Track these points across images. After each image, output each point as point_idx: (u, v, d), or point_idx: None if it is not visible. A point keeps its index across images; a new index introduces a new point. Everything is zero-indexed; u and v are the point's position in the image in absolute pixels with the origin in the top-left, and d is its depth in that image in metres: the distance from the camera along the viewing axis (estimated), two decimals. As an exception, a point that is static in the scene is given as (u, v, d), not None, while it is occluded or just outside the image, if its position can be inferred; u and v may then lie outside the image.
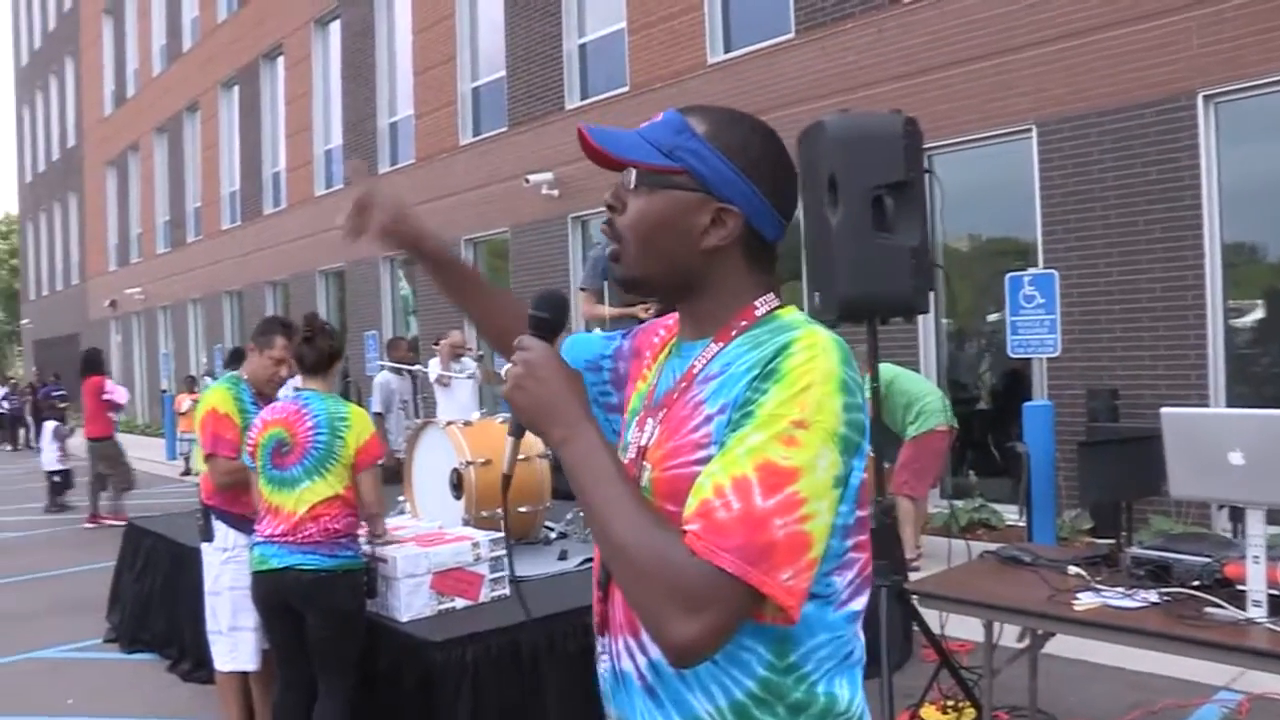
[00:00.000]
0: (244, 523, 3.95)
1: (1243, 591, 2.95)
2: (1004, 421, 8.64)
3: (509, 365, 1.27)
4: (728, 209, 1.25)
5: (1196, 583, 3.13)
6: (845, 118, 3.74)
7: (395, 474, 5.60)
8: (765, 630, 1.15)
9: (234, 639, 4.08)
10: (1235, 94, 7.22)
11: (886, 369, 6.37)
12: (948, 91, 8.76)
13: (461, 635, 3.46)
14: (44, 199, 37.20)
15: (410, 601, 3.68)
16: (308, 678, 3.60)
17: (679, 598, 1.06)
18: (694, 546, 1.07)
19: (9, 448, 25.70)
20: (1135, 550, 3.47)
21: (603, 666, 1.32)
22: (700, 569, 1.06)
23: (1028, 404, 7.21)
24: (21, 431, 25.53)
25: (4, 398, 26.28)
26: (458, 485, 4.94)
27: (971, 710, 3.93)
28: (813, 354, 1.14)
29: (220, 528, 4.08)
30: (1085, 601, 3.21)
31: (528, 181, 12.75)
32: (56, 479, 12.15)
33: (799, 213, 3.79)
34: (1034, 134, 8.25)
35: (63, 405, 14.31)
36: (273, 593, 3.54)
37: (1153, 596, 3.16)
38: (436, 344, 9.28)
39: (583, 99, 12.94)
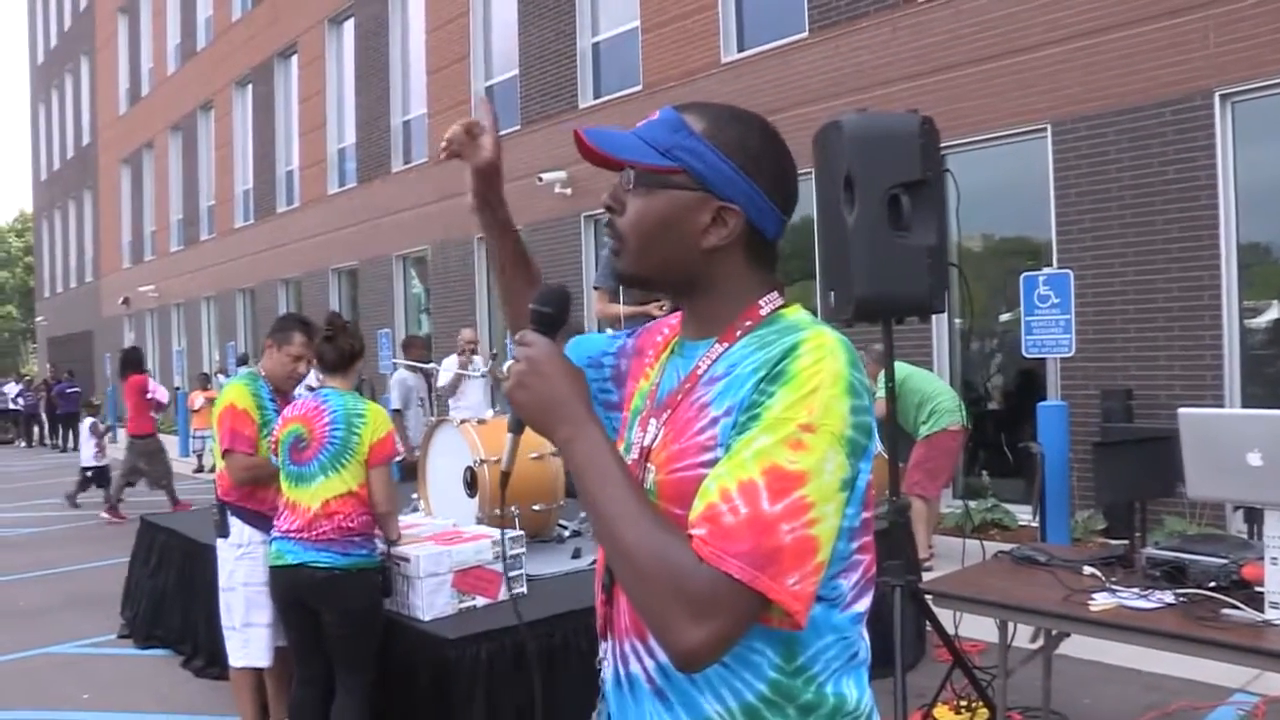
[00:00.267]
0: (260, 519, 3.97)
1: (1260, 593, 2.93)
2: (1018, 422, 8.61)
3: (510, 362, 1.25)
4: (728, 208, 1.23)
5: (1213, 584, 3.12)
6: (862, 117, 3.72)
7: (414, 471, 5.67)
8: (774, 633, 1.14)
9: (247, 635, 4.08)
10: (1252, 93, 7.18)
11: (899, 368, 6.35)
12: (962, 90, 8.73)
13: (476, 633, 3.47)
14: (59, 197, 37.42)
15: (433, 600, 3.69)
16: (325, 674, 3.62)
17: (685, 603, 1.05)
18: (700, 551, 1.06)
19: (23, 444, 25.87)
20: (1151, 551, 3.46)
21: (605, 670, 1.31)
22: (707, 574, 1.05)
23: (1042, 404, 7.17)
24: (36, 429, 25.72)
25: (19, 394, 26.45)
26: (471, 483, 4.96)
27: (985, 711, 3.92)
28: (820, 356, 1.12)
29: (236, 523, 4.08)
30: (1101, 602, 3.20)
31: (541, 180, 12.76)
32: (89, 474, 12.26)
33: (814, 212, 3.79)
34: (1049, 133, 8.22)
35: (96, 402, 14.82)
36: (288, 588, 3.56)
37: (1168, 597, 3.15)
38: (472, 343, 8.86)
39: (596, 98, 12.95)
